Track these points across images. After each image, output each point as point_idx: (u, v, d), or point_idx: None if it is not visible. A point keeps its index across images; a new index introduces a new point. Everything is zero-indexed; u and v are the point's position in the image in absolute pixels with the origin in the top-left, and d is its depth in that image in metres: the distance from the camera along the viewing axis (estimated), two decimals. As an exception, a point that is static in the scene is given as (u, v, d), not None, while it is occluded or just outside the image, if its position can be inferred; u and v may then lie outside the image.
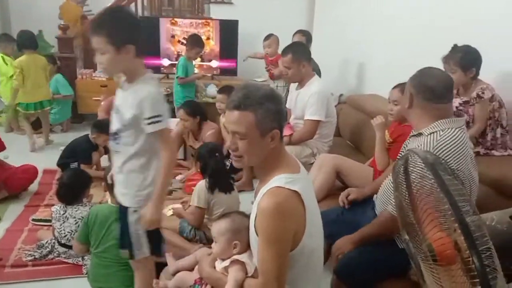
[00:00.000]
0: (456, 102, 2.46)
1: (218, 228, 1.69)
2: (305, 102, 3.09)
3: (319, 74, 4.06)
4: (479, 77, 2.46)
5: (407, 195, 1.19)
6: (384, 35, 3.92)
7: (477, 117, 2.43)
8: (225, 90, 3.71)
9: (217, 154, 2.77)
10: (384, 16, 3.96)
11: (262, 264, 1.41)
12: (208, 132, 3.70)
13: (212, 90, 4.91)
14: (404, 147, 1.92)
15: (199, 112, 3.79)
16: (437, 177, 0.99)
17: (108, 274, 2.21)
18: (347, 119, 3.83)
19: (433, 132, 1.70)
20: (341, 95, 4.34)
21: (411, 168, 1.13)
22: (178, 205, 3.15)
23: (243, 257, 1.57)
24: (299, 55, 3.11)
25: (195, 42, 4.37)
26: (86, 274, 2.40)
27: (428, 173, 1.02)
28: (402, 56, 3.54)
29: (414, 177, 1.12)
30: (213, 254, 1.69)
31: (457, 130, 1.69)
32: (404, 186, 1.20)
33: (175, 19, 5.36)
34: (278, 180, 1.41)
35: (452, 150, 1.63)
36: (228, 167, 3.03)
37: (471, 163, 1.68)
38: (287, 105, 3.30)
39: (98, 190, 3.19)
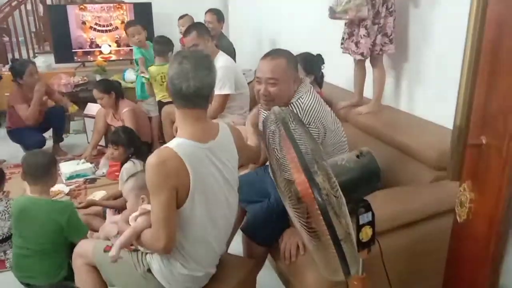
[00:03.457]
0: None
1: (126, 187, 1.90)
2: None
3: (233, 52, 4.20)
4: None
5: (278, 147, 1.36)
6: (293, 11, 4.08)
7: None
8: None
9: (134, 133, 2.90)
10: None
11: (152, 214, 1.58)
12: (125, 110, 3.71)
13: (130, 75, 4.88)
14: None
15: (113, 88, 3.77)
16: (287, 130, 1.16)
17: (30, 264, 2.24)
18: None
19: (298, 98, 1.97)
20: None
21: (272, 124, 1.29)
22: (102, 192, 3.20)
23: (148, 206, 1.71)
24: (203, 31, 3.24)
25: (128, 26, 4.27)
26: (10, 267, 2.42)
27: (279, 125, 1.18)
28: (310, 31, 3.72)
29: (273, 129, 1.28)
30: (126, 210, 1.87)
31: (311, 91, 1.99)
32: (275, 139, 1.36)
33: (84, 4, 5.22)
34: (172, 142, 1.59)
35: (315, 108, 1.92)
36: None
37: (328, 112, 2.01)
38: None
39: (16, 183, 3.17)
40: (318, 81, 2.83)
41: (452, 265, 1.42)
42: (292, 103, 1.96)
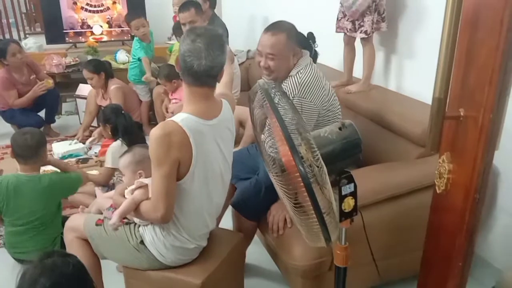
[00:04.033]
0: None
1: (122, 162, 1.90)
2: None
3: (226, 32, 4.18)
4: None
5: (263, 119, 1.39)
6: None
7: None
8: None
9: (122, 112, 2.87)
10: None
11: (152, 186, 1.62)
12: (112, 87, 3.71)
13: (122, 56, 4.87)
14: None
15: (103, 68, 3.78)
16: (270, 102, 1.19)
17: (24, 240, 2.28)
18: (254, 73, 4.01)
19: (297, 72, 2.01)
20: (248, 50, 4.49)
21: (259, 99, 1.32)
22: (95, 172, 3.23)
23: (145, 180, 1.75)
24: (199, 8, 3.26)
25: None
26: (3, 244, 2.46)
27: (263, 97, 1.21)
28: (301, 11, 3.71)
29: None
30: (122, 184, 1.89)
31: (309, 66, 2.02)
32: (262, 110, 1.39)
33: (75, -16, 5.16)
34: (177, 116, 1.61)
35: (313, 83, 1.96)
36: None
37: (327, 89, 2.04)
38: None
39: (8, 163, 3.19)
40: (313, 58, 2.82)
41: (431, 236, 1.47)
42: (291, 76, 2.02)
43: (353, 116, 2.52)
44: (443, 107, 1.19)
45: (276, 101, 1.21)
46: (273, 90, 1.22)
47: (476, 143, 1.16)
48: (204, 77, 1.58)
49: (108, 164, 2.75)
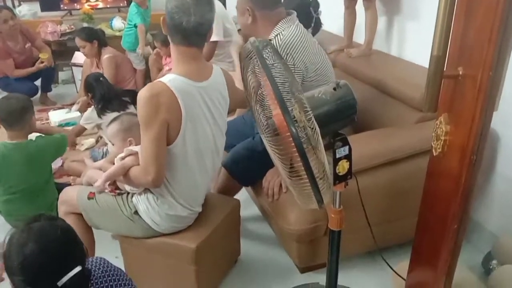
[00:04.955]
0: None
1: (110, 131, 1.86)
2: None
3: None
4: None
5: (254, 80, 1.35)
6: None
7: None
8: None
9: (101, 79, 2.86)
10: None
11: (141, 150, 1.59)
12: (105, 56, 3.65)
13: (118, 23, 4.77)
14: None
15: (96, 36, 3.68)
16: (262, 61, 1.15)
17: (18, 208, 2.28)
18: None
19: (276, 35, 1.88)
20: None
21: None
22: (91, 140, 3.21)
23: (135, 148, 1.72)
24: None
25: None
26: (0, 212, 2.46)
27: (255, 56, 1.17)
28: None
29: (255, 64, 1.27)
30: (111, 153, 1.86)
31: (293, 27, 1.90)
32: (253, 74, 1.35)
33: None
34: (165, 77, 1.57)
35: (295, 45, 1.84)
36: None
37: (314, 52, 1.93)
38: None
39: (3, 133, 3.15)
40: (314, 26, 2.75)
41: (426, 199, 1.45)
42: (270, 39, 1.91)
43: (352, 81, 2.45)
44: (441, 65, 1.14)
45: (268, 61, 1.16)
46: (264, 49, 1.17)
47: (474, 103, 1.13)
48: (193, 35, 1.54)
49: (81, 121, 2.93)
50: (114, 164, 1.75)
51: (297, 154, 1.12)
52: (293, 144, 1.15)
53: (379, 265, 2.04)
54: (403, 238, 2.01)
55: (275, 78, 1.13)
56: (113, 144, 1.87)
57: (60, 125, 3.56)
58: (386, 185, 1.87)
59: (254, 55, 1.23)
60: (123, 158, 1.72)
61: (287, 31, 1.88)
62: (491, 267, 1.92)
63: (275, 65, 1.18)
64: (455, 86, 1.22)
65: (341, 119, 1.29)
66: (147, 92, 1.51)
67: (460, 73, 1.18)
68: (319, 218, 1.82)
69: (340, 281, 1.66)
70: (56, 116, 3.67)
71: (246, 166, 2.05)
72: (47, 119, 3.77)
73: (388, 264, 1.79)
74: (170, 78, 1.56)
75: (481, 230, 2.14)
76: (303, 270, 2.08)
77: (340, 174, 1.36)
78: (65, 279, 1.06)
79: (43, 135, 2.44)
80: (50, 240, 1.08)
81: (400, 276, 1.73)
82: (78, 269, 1.09)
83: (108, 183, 1.70)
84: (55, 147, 2.39)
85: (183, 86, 1.56)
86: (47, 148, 2.32)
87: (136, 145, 1.75)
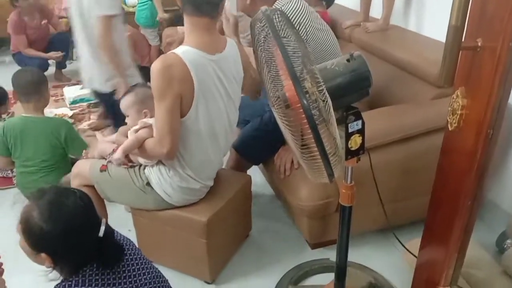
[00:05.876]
0: None
1: (125, 103, 1.85)
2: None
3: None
4: None
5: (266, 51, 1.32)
6: None
7: None
8: None
9: None
10: None
11: (156, 122, 1.59)
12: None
13: (132, -2, 4.74)
14: None
15: None
16: (273, 31, 1.12)
17: (35, 180, 2.32)
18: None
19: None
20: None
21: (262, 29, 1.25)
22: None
23: (149, 120, 1.73)
24: None
25: None
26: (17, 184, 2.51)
27: (266, 26, 1.14)
28: None
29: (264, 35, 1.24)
30: (126, 126, 1.85)
31: (294, 2, 1.85)
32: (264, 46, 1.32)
33: None
34: (178, 48, 1.56)
35: (296, 21, 1.80)
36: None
37: (319, 28, 1.89)
38: None
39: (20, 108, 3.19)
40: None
41: (440, 175, 1.42)
42: None
43: (367, 57, 2.39)
44: (460, 36, 1.10)
45: (280, 31, 1.13)
46: (276, 17, 1.14)
47: (492, 75, 1.09)
48: (204, 4, 1.52)
49: None
50: (127, 137, 1.75)
51: (307, 126, 1.10)
52: (303, 116, 1.13)
53: (390, 243, 2.03)
54: (414, 216, 1.99)
55: (287, 48, 1.11)
56: (127, 116, 1.87)
57: (75, 101, 3.59)
58: (400, 162, 1.84)
59: (265, 24, 1.20)
60: (137, 131, 1.72)
61: (287, 6, 1.83)
62: (505, 246, 1.90)
63: (286, 34, 1.15)
64: (473, 58, 1.17)
65: (354, 92, 1.26)
66: (160, 64, 1.50)
67: (479, 44, 1.13)
68: (331, 194, 1.81)
69: (350, 258, 1.65)
70: (70, 92, 3.69)
71: (256, 146, 2.05)
72: (62, 95, 3.80)
73: (400, 241, 1.79)
74: (184, 49, 1.55)
75: (496, 209, 2.10)
76: (314, 246, 2.08)
77: (352, 149, 1.33)
78: (102, 229, 1.10)
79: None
80: (80, 199, 1.12)
81: (411, 253, 1.72)
82: (104, 221, 1.14)
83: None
84: (77, 146, 2.37)
85: (196, 58, 1.54)
86: (68, 133, 2.33)
87: (151, 117, 1.75)
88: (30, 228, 1.07)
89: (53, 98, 3.67)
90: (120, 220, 1.98)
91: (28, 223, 1.07)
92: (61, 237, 1.06)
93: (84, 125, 3.17)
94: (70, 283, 1.10)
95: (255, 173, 2.39)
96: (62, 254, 1.09)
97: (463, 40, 1.12)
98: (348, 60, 1.23)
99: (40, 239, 1.07)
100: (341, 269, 1.63)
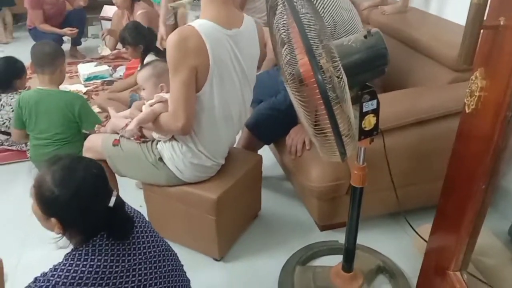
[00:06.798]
0: None
1: (142, 76, 1.84)
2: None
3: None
4: None
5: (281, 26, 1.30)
6: None
7: None
8: None
9: (136, 27, 2.87)
10: None
11: (171, 94, 1.58)
12: (139, 12, 3.63)
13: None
14: None
15: None
16: (290, 5, 1.09)
17: (47, 153, 2.33)
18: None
19: None
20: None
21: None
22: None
23: (165, 95, 1.72)
24: None
25: None
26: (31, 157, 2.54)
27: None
28: None
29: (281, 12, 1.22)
30: (140, 101, 1.85)
31: None
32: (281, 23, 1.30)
33: None
34: (195, 21, 1.55)
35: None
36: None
37: (345, 8, 1.85)
38: None
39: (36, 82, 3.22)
40: None
41: (455, 160, 1.39)
42: None
43: (385, 40, 2.37)
44: (481, 14, 1.07)
45: (297, 5, 1.11)
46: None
47: (513, 56, 1.05)
48: None
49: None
50: (141, 111, 1.75)
51: (321, 102, 1.09)
52: (317, 91, 1.11)
53: (400, 227, 2.02)
54: (425, 202, 1.97)
55: (303, 22, 1.08)
56: (143, 89, 1.86)
57: (89, 78, 3.61)
58: (413, 146, 1.81)
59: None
60: (152, 105, 1.71)
61: None
62: (517, 234, 1.87)
63: (303, 9, 1.13)
64: (494, 38, 1.14)
65: (370, 70, 1.23)
66: (176, 36, 1.49)
67: (501, 23, 1.10)
68: (341, 176, 1.80)
69: (359, 241, 1.65)
70: (85, 69, 3.71)
71: (269, 125, 2.03)
72: (76, 71, 3.82)
73: (411, 225, 1.77)
74: (200, 22, 1.53)
75: (510, 197, 2.07)
76: (323, 228, 2.08)
77: (366, 129, 1.32)
78: (113, 200, 1.12)
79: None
80: (93, 167, 1.13)
81: (422, 238, 1.70)
82: (115, 192, 1.14)
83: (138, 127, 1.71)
84: (90, 120, 2.38)
85: (212, 32, 1.53)
86: (82, 108, 2.34)
87: (167, 92, 1.74)
88: (42, 192, 1.08)
89: (68, 74, 3.68)
90: (131, 197, 1.98)
91: (40, 187, 1.09)
92: (71, 202, 1.07)
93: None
94: (80, 252, 1.11)
95: (266, 154, 2.38)
96: (72, 219, 1.10)
97: (484, 18, 1.09)
98: (365, 37, 1.21)
99: (51, 203, 1.08)
100: (349, 251, 1.62)
